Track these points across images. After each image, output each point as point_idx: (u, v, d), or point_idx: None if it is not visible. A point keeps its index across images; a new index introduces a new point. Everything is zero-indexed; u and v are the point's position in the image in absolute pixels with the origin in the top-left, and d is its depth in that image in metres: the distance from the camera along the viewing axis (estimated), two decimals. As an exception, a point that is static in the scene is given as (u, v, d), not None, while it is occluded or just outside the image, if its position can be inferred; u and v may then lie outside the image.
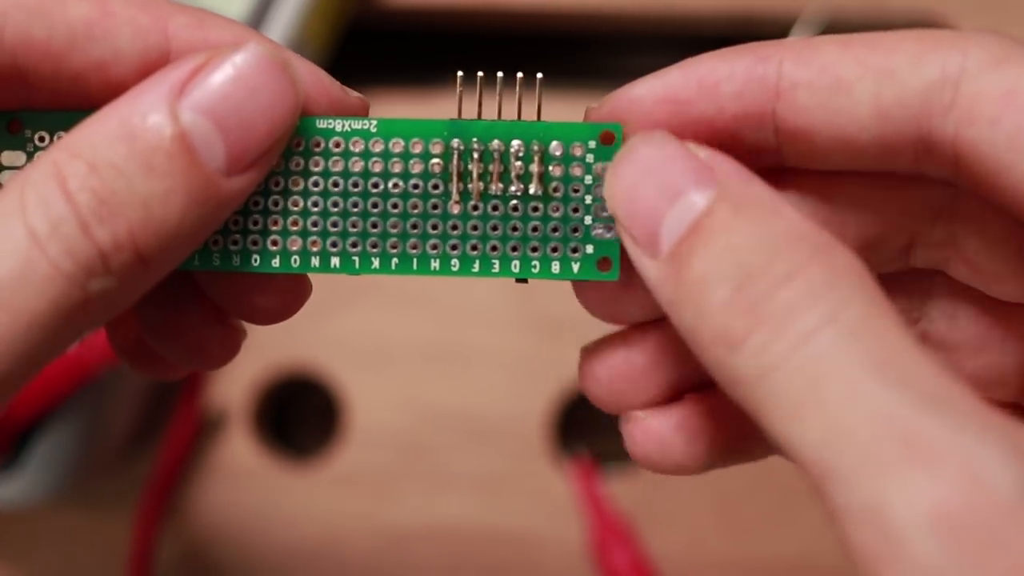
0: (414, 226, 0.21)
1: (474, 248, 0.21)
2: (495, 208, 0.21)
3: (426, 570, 0.41)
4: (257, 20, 0.38)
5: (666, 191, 0.19)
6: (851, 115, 0.20)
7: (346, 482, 0.41)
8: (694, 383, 0.22)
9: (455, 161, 0.21)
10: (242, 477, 0.41)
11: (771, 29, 0.42)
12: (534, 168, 0.21)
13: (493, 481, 0.40)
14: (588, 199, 0.21)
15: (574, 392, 0.41)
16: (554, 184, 0.21)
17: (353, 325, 0.41)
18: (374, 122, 0.21)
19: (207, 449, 0.41)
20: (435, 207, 0.21)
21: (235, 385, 0.41)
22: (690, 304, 0.18)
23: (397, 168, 0.21)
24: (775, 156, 0.21)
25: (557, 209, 0.21)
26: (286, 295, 0.22)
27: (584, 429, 0.42)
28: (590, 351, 0.23)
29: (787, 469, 0.40)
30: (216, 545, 0.41)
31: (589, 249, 0.21)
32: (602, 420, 0.43)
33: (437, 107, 0.41)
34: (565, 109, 0.41)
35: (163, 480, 0.41)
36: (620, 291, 0.22)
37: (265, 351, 0.41)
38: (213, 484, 0.41)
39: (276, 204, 0.21)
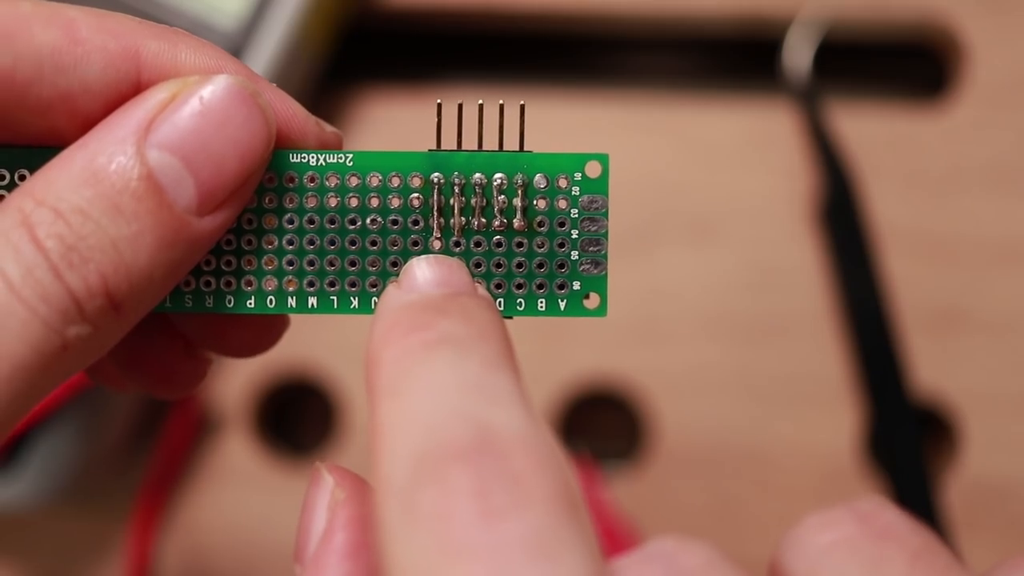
0: (394, 263, 0.20)
1: None
2: (478, 244, 0.20)
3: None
4: (257, 20, 0.37)
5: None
6: None
7: (345, 483, 0.40)
8: None
9: (435, 195, 0.20)
10: (241, 478, 0.41)
11: (771, 29, 0.41)
12: (517, 202, 0.20)
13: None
14: (574, 233, 0.20)
15: (574, 392, 0.40)
16: (539, 218, 0.20)
17: (353, 325, 0.41)
18: (350, 155, 0.20)
19: (206, 450, 0.41)
20: (415, 243, 0.20)
21: (234, 385, 0.41)
22: None
23: (375, 203, 0.20)
24: None
25: (542, 244, 0.20)
26: (261, 330, 0.22)
27: (584, 429, 0.41)
28: None
29: (787, 469, 0.40)
30: (215, 547, 0.41)
31: (576, 285, 0.20)
32: (602, 420, 0.43)
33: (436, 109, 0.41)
34: (565, 110, 0.41)
35: (161, 481, 0.40)
36: None
37: (264, 350, 0.41)
38: (212, 485, 0.41)
39: (250, 243, 0.20)
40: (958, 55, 0.40)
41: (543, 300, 0.20)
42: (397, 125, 0.41)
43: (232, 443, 0.41)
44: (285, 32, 0.37)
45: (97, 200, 0.18)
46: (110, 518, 0.41)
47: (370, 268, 0.20)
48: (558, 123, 0.40)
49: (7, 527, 0.41)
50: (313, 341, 0.40)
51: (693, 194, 0.40)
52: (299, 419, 0.43)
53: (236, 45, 0.37)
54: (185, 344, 0.22)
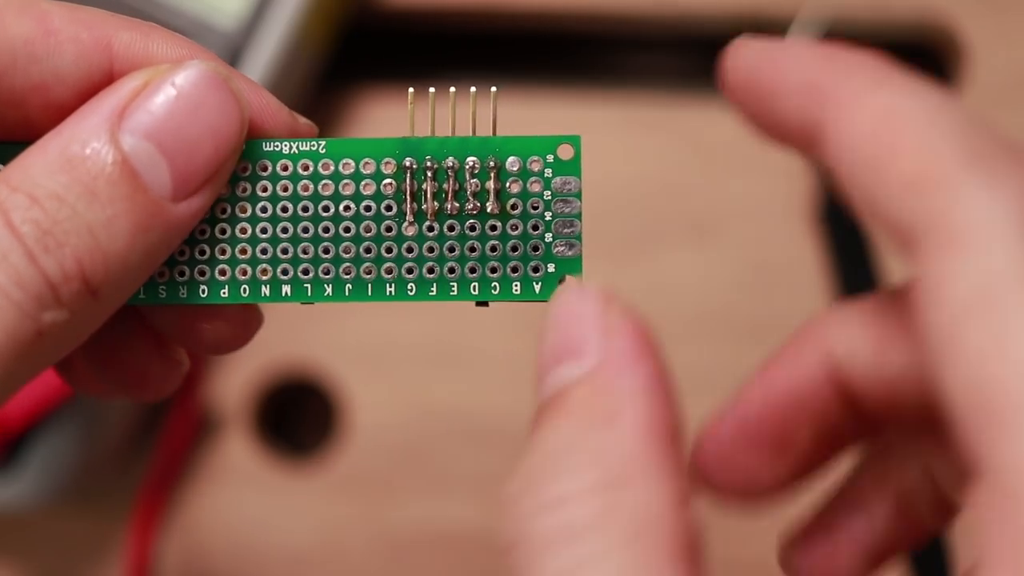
0: (367, 250, 0.20)
1: (431, 271, 0.20)
2: (451, 228, 0.20)
3: (426, 572, 0.40)
4: (257, 20, 0.37)
5: (557, 350, 0.19)
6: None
7: (345, 483, 0.40)
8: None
9: (408, 181, 0.20)
10: (241, 478, 0.41)
11: (771, 29, 0.40)
12: (490, 185, 0.20)
13: (493, 482, 0.40)
14: (548, 215, 0.20)
15: (573, 391, 0.40)
16: (512, 201, 0.20)
17: (353, 325, 0.41)
18: (322, 143, 0.20)
19: (205, 450, 0.41)
20: (389, 229, 0.20)
21: (234, 385, 0.41)
22: None
23: (348, 190, 0.20)
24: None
25: (516, 227, 0.20)
26: (235, 324, 0.22)
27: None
28: (790, 544, 0.23)
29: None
30: (214, 547, 0.41)
31: (551, 268, 0.20)
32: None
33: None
34: (565, 110, 0.41)
35: (161, 481, 0.40)
36: None
37: (264, 351, 0.41)
38: (211, 485, 0.41)
39: (223, 232, 0.20)
40: (958, 55, 0.40)
41: (518, 283, 0.20)
42: (397, 125, 0.41)
43: (232, 443, 0.41)
44: (285, 32, 0.37)
45: (72, 185, 0.18)
46: (110, 518, 0.41)
47: (343, 255, 0.20)
48: (558, 123, 0.40)
49: (7, 527, 0.41)
50: (313, 341, 0.41)
51: (693, 194, 0.40)
52: (299, 419, 0.43)
53: (236, 45, 0.37)
54: (158, 343, 0.22)
